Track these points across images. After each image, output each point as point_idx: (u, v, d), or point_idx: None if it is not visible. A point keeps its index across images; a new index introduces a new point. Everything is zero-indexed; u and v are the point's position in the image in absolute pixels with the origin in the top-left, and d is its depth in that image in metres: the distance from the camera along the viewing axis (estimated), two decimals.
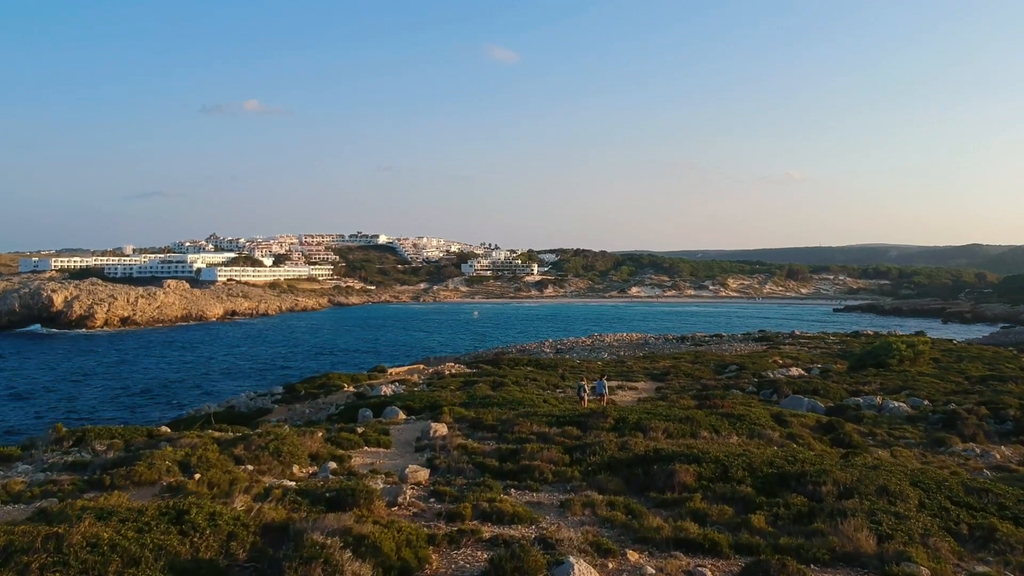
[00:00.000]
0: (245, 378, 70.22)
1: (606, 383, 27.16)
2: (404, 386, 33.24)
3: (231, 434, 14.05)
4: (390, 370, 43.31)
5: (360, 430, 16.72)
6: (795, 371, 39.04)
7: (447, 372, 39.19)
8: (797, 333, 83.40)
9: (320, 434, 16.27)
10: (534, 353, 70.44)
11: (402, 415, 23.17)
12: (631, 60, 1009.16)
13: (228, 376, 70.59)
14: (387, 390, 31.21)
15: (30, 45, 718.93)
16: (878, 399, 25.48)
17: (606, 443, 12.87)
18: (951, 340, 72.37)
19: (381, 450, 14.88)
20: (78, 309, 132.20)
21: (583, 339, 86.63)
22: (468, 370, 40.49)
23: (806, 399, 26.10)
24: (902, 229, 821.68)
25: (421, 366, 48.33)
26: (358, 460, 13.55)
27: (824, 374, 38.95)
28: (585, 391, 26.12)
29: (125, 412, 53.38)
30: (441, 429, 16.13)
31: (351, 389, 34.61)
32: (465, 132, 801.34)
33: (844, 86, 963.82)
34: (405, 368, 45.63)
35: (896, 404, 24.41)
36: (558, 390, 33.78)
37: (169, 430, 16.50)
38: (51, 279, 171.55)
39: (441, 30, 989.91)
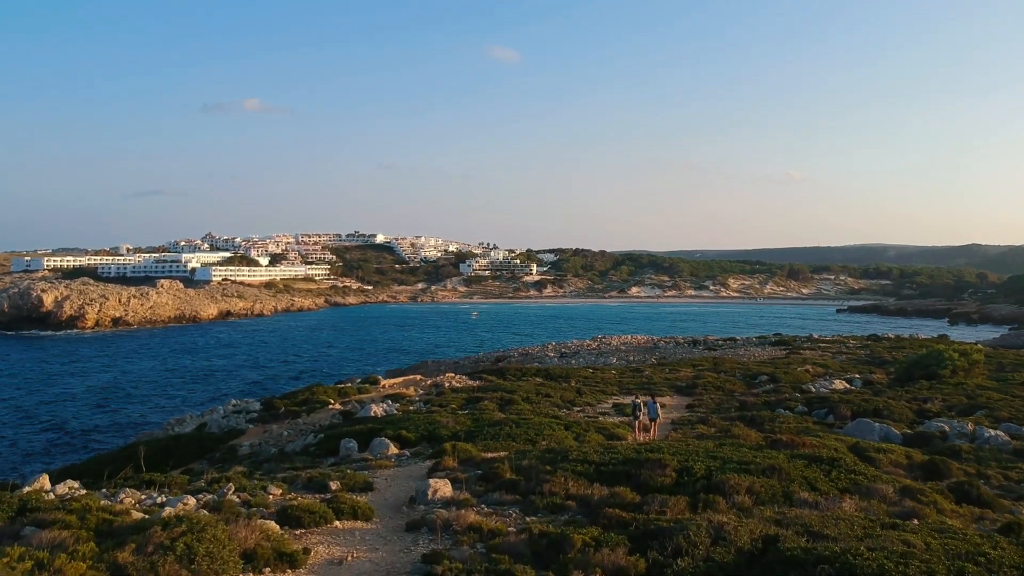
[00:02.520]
0: (229, 382, 66.12)
1: (659, 407, 22.85)
2: (398, 403, 28.92)
3: (135, 514, 9.66)
4: (383, 381, 38.93)
5: (334, 485, 12.43)
6: (839, 384, 34.70)
7: (447, 385, 34.85)
8: (815, 337, 79.25)
9: (274, 495, 11.96)
10: (537, 358, 66.24)
11: (393, 448, 18.93)
12: (631, 59, 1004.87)
13: (202, 383, 66.32)
14: (378, 409, 26.87)
15: (30, 43, 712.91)
16: (969, 425, 21.14)
17: (691, 529, 8.59)
18: (975, 344, 68.43)
19: (358, 526, 10.51)
20: (68, 309, 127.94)
21: (588, 342, 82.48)
22: (471, 382, 36.18)
23: (877, 424, 21.78)
24: (900, 229, 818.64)
25: (418, 376, 43.95)
26: (321, 553, 9.21)
27: (870, 387, 34.68)
28: (641, 410, 22.05)
29: (105, 416, 49.38)
30: (443, 488, 11.82)
31: (337, 406, 30.32)
32: (464, 131, 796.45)
33: (844, 85, 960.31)
34: (400, 379, 41.23)
35: (992, 432, 20.12)
36: (575, 407, 29.53)
37: (77, 485, 12.19)
38: (43, 279, 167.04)
39: (441, 29, 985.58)
